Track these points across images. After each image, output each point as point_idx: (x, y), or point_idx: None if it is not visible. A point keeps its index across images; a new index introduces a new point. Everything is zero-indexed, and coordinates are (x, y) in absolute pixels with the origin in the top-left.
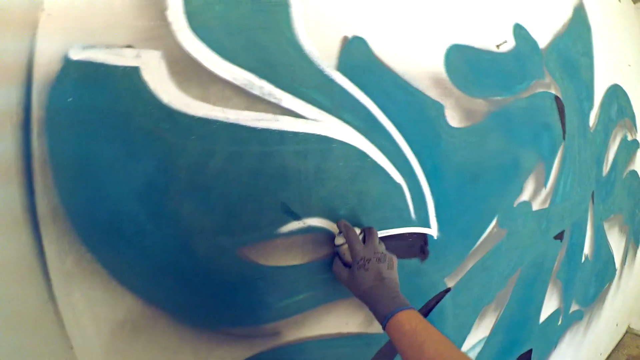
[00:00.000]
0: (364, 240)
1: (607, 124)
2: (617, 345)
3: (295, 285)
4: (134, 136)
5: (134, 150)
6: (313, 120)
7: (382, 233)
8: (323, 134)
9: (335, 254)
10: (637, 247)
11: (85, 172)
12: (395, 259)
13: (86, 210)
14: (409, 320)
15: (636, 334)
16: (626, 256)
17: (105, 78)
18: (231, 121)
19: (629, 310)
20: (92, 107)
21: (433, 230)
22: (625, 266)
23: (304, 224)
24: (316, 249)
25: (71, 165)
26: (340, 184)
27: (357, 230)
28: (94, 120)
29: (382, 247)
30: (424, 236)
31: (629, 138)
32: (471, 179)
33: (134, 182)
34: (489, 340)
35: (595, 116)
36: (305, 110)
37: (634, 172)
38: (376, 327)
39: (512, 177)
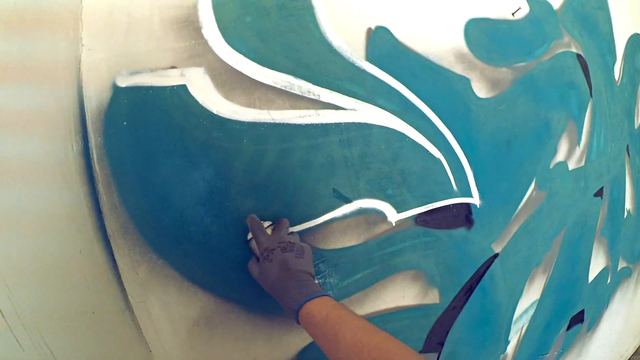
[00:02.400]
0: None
1: (632, 76)
2: None
3: (354, 265)
4: (191, 148)
5: (192, 161)
6: (351, 110)
7: (427, 207)
8: (362, 121)
9: (251, 250)
10: None
11: (149, 187)
12: (307, 248)
13: (154, 222)
14: (319, 309)
15: None
16: None
17: (154, 99)
18: (277, 121)
19: None
20: (147, 127)
21: (475, 199)
22: None
23: (356, 206)
24: (369, 229)
25: (134, 183)
26: (384, 165)
27: (267, 223)
28: (151, 139)
29: (293, 237)
30: (467, 206)
31: None
32: (505, 145)
33: (196, 189)
34: (540, 302)
35: (620, 69)
36: (343, 102)
37: None
38: (432, 298)
39: (545, 139)
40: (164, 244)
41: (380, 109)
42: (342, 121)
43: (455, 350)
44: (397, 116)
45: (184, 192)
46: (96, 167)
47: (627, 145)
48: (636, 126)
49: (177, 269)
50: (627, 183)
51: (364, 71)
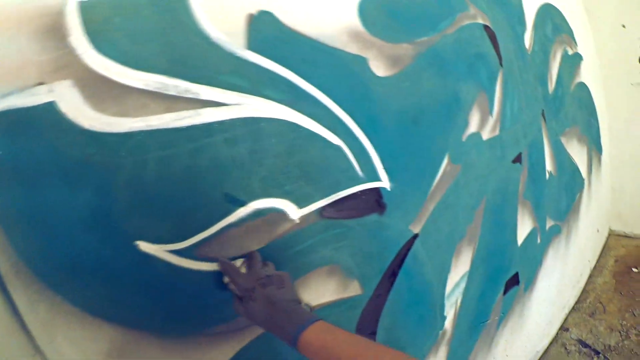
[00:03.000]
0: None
1: (544, 43)
2: (602, 250)
3: None
4: (68, 170)
5: (71, 184)
6: (235, 104)
7: (332, 198)
8: (249, 115)
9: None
10: (600, 153)
11: (34, 219)
12: (285, 275)
13: (44, 256)
14: (315, 337)
15: (619, 235)
16: (591, 164)
17: (26, 121)
18: (154, 127)
19: (607, 214)
20: (23, 154)
21: (384, 182)
22: (592, 174)
23: (251, 208)
24: (271, 230)
25: (19, 218)
26: (277, 160)
27: (239, 262)
28: (29, 166)
29: (269, 269)
30: (377, 190)
31: (570, 52)
32: (412, 122)
33: (80, 214)
34: (471, 274)
35: (531, 38)
36: (225, 97)
37: (582, 84)
38: (353, 289)
39: (455, 112)
40: (58, 279)
41: (267, 100)
42: (226, 118)
43: (391, 336)
44: (288, 106)
45: (69, 219)
46: None
47: (543, 110)
48: (550, 91)
49: (75, 304)
50: (545, 146)
51: (246, 61)
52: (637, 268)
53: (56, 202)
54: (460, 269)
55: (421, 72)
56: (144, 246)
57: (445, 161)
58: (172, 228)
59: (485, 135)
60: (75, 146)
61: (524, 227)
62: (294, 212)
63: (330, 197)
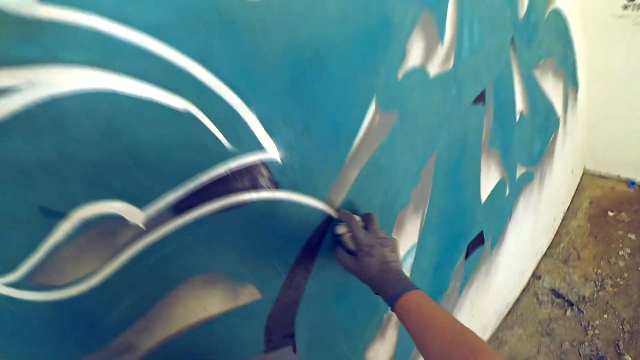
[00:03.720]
0: (365, 227)
1: None
2: (577, 190)
3: (114, 293)
4: None
5: None
6: (28, 86)
7: (187, 187)
8: (45, 96)
9: (338, 242)
10: (576, 89)
11: None
12: (396, 242)
13: None
14: (413, 299)
15: (594, 174)
16: (567, 102)
17: None
18: None
19: (581, 154)
20: None
21: (270, 152)
22: (568, 112)
23: (76, 219)
24: (111, 243)
25: None
26: (95, 150)
27: (357, 218)
28: None
29: (382, 232)
30: (260, 165)
31: None
32: (312, 60)
33: None
34: (420, 245)
35: None
36: (13, 79)
37: (557, 11)
38: (248, 295)
39: (384, 40)
40: None
41: (69, 67)
42: (17, 109)
43: (318, 333)
44: (98, 68)
45: None
46: None
47: (512, 37)
48: (521, 16)
49: None
50: (515, 81)
51: (38, 21)
52: (612, 211)
53: None
54: (405, 242)
55: None
56: None
57: (371, 108)
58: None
59: (434, 70)
60: None
61: (490, 179)
62: (135, 215)
63: (183, 186)
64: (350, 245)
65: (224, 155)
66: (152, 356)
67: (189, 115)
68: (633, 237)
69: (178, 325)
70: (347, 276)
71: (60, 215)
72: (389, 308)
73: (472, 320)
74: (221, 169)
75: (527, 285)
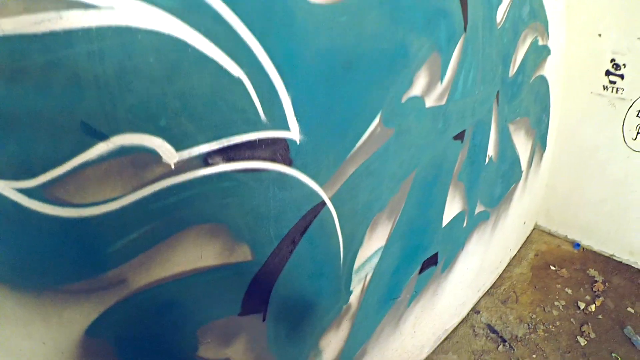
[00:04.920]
0: None
1: (516, 23)
2: (525, 242)
3: (124, 222)
4: None
5: None
6: (108, 8)
7: (222, 143)
8: (122, 24)
9: None
10: (543, 150)
11: None
12: None
13: None
14: None
15: (543, 231)
16: (532, 159)
17: None
18: (8, 33)
19: (536, 209)
20: None
21: (294, 133)
22: (532, 168)
23: (114, 143)
24: (139, 174)
25: None
26: (153, 85)
27: None
28: None
29: None
30: (282, 141)
31: (540, 43)
32: (343, 67)
33: None
34: (386, 249)
35: (504, 13)
36: None
37: (543, 78)
38: (241, 255)
39: (399, 67)
40: None
41: (150, 5)
42: (93, 25)
43: (286, 307)
44: (176, 16)
45: None
46: None
47: (498, 92)
48: (511, 74)
49: None
50: (492, 129)
51: None
52: (554, 266)
53: None
54: (374, 243)
55: (367, 9)
56: None
57: (375, 121)
58: (18, 161)
59: (430, 102)
60: None
61: (452, 208)
62: (170, 155)
63: (219, 140)
64: None
65: (258, 125)
66: (139, 295)
67: (240, 82)
68: (570, 291)
69: (173, 269)
70: (323, 257)
71: (101, 136)
72: (348, 299)
73: (413, 335)
74: (252, 136)
75: (466, 316)
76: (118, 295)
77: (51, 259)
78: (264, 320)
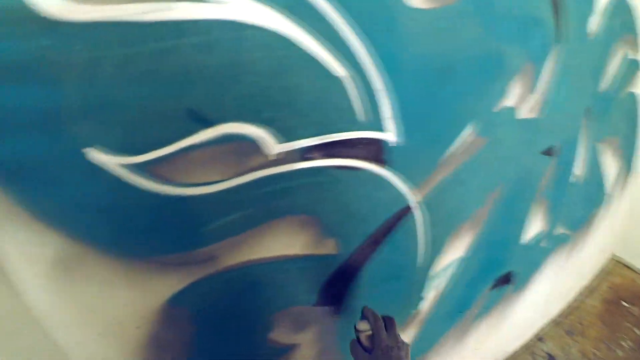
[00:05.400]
0: (385, 328)
1: (610, 35)
2: (600, 272)
3: (223, 205)
4: (20, 62)
5: (18, 76)
6: (216, 2)
7: (322, 139)
8: (232, 18)
9: (357, 338)
10: (629, 173)
11: None
12: (409, 347)
13: None
14: None
15: (620, 262)
16: (617, 183)
17: None
18: (119, 19)
19: (615, 238)
20: None
21: (390, 135)
22: (615, 193)
23: (220, 131)
24: (241, 161)
25: None
26: (259, 79)
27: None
28: None
29: (400, 337)
30: (378, 142)
31: (630, 56)
32: (441, 73)
33: (28, 110)
34: (464, 261)
35: (597, 23)
36: None
37: (632, 95)
38: (327, 248)
39: (494, 76)
40: (3, 178)
41: (259, 3)
42: (202, 17)
43: (357, 305)
44: (284, 14)
45: (16, 113)
46: None
47: (589, 108)
48: (600, 90)
49: (22, 206)
50: (580, 147)
51: None
52: (626, 302)
53: (5, 92)
54: (454, 252)
55: (465, 16)
56: (94, 155)
57: (468, 129)
58: (126, 139)
59: (522, 114)
60: (29, 35)
61: (533, 226)
62: (271, 146)
63: (319, 137)
64: (366, 342)
65: (356, 125)
66: (226, 273)
67: (342, 82)
68: (638, 332)
69: (261, 253)
70: (401, 261)
71: (207, 123)
72: (418, 305)
73: (474, 353)
74: (351, 135)
75: (528, 342)
76: (205, 271)
77: (148, 232)
78: (336, 313)
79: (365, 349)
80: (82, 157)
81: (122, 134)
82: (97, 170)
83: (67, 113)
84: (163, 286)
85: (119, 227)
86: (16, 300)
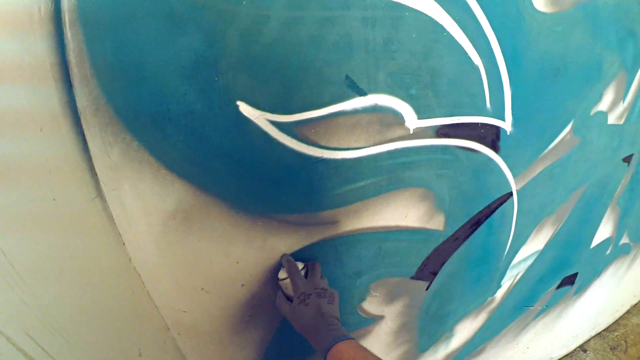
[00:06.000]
0: (306, 274)
1: None
2: None
3: (358, 171)
4: (178, 7)
5: (178, 24)
6: None
7: (453, 119)
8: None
9: (279, 287)
10: None
11: (125, 55)
12: (336, 294)
13: (129, 96)
14: (347, 350)
15: None
16: None
17: None
18: None
19: None
20: None
21: (507, 124)
22: None
23: (370, 101)
24: (382, 131)
25: (109, 50)
26: (412, 58)
27: (301, 265)
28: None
29: (323, 282)
30: (497, 129)
31: None
32: (552, 72)
33: (179, 59)
34: (541, 255)
35: None
36: None
37: None
38: (436, 223)
39: (594, 81)
40: (139, 123)
41: None
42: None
43: (446, 283)
44: (438, 3)
45: (165, 62)
46: (67, 32)
47: None
48: None
49: (152, 153)
50: None
51: None
52: None
53: (157, 40)
54: (535, 245)
55: (576, 23)
56: (245, 109)
57: (567, 128)
58: (280, 98)
59: (611, 119)
60: None
61: (603, 232)
62: (413, 120)
63: (452, 117)
64: (289, 291)
65: (482, 111)
66: (343, 238)
67: (477, 70)
68: None
69: (380, 221)
70: (492, 246)
71: (361, 92)
72: (495, 292)
73: (525, 352)
74: (476, 119)
75: (572, 351)
76: (325, 234)
77: (280, 189)
78: (427, 289)
79: (287, 297)
80: (235, 109)
81: (277, 92)
82: (247, 123)
83: (226, 65)
84: (280, 245)
85: (251, 182)
86: (119, 250)
